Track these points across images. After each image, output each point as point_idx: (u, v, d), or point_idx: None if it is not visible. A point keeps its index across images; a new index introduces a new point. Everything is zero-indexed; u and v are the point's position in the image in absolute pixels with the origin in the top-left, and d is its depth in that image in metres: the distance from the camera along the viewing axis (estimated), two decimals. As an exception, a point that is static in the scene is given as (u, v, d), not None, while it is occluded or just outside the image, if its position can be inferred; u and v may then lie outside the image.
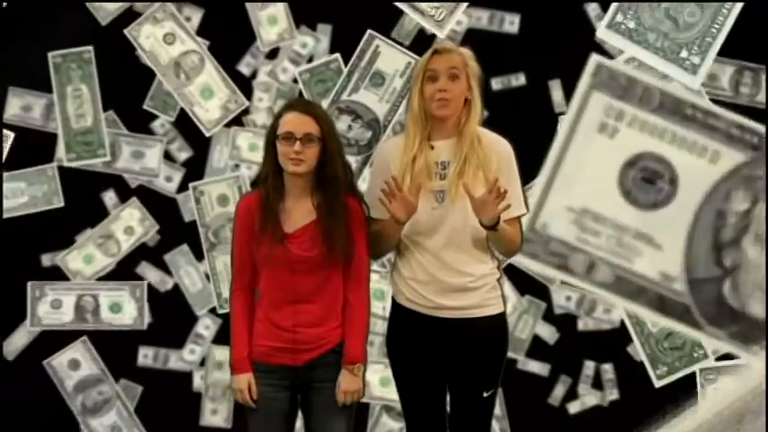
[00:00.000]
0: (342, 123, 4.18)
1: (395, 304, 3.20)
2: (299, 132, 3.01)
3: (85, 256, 4.77)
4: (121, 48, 4.62)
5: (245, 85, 4.69)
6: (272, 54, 4.73)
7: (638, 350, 4.32)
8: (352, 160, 4.12)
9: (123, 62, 4.68)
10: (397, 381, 3.21)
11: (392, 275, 3.23)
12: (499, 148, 3.15)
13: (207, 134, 4.68)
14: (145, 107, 4.74)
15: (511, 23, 4.64)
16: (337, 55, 4.58)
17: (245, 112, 4.72)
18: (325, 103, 4.24)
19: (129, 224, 4.79)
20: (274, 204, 3.04)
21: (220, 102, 4.69)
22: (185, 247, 4.75)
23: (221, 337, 4.69)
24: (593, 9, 4.59)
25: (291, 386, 3.08)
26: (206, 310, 4.73)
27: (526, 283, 4.58)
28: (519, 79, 4.67)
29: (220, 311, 4.65)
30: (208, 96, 4.69)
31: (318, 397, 3.08)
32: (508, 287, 4.54)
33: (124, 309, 4.74)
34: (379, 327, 4.03)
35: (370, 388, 4.51)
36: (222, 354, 4.70)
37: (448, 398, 3.20)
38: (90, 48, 4.71)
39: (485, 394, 3.13)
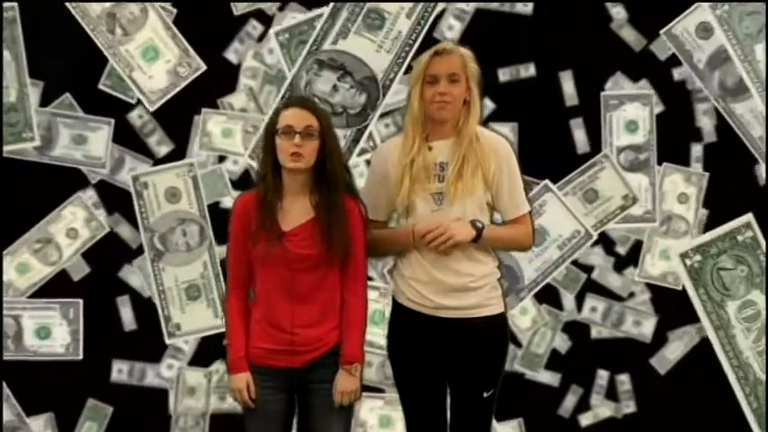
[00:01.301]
0: (323, 83, 3.50)
1: (395, 304, 3.23)
2: (299, 126, 3.03)
3: (19, 266, 4.09)
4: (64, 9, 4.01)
5: (234, 74, 4.19)
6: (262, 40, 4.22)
7: (740, 402, 3.71)
8: (341, 134, 3.56)
9: (71, 28, 4.02)
10: (397, 381, 3.24)
11: (393, 275, 3.26)
12: (498, 148, 3.19)
13: (151, 108, 4.04)
14: (100, 86, 4.04)
15: (524, 4, 4.31)
16: (323, 9, 3.80)
17: (218, 91, 4.14)
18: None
19: (72, 226, 4.04)
20: (272, 202, 3.05)
21: (168, 65, 3.98)
22: (156, 251, 4.11)
23: (197, 357, 4.25)
24: (608, -4, 4.44)
25: (289, 388, 3.11)
26: (178, 322, 4.18)
27: (542, 292, 4.29)
28: (528, 70, 4.35)
29: (169, 341, 3.99)
30: (152, 58, 3.97)
31: (316, 398, 3.09)
32: (528, 301, 4.26)
33: (54, 333, 4.00)
34: (377, 351, 3.81)
35: (367, 430, 4.06)
36: (195, 377, 4.22)
37: (448, 398, 3.23)
38: (14, 4, 4.06)
39: (485, 394, 3.15)
